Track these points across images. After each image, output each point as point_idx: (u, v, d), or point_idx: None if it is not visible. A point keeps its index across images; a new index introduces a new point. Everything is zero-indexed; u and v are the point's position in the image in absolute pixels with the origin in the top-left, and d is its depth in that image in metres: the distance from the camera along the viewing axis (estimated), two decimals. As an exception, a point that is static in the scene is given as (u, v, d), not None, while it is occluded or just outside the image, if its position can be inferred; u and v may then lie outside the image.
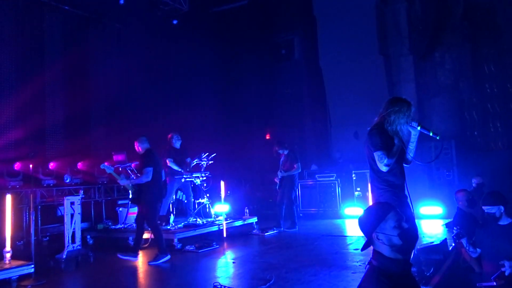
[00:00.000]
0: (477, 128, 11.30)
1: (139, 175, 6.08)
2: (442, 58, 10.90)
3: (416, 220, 3.77)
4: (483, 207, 3.88)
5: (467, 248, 3.81)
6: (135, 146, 6.29)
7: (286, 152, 8.25)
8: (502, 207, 3.78)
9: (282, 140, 8.65)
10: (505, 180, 8.28)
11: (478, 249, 3.83)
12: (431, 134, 3.50)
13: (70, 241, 6.03)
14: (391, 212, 2.15)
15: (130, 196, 6.30)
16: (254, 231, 8.15)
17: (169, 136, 8.05)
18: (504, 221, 3.82)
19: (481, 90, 11.17)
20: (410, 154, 3.57)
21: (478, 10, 10.92)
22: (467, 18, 10.82)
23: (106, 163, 6.66)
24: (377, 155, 3.50)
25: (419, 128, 3.49)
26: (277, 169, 8.35)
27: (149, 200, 5.96)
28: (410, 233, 2.11)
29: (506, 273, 3.42)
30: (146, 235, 6.82)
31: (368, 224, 2.16)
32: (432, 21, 10.30)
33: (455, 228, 3.89)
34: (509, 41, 11.13)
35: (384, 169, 3.47)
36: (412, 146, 3.56)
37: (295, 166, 8.17)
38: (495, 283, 3.39)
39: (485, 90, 11.30)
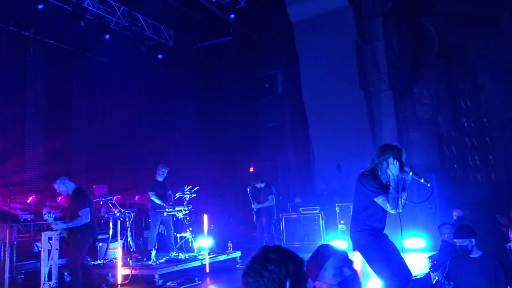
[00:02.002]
0: (456, 161, 11.56)
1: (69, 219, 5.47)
2: (421, 93, 11.26)
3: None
4: (455, 240, 3.96)
5: (441, 281, 3.85)
6: (56, 187, 5.55)
7: (263, 185, 8.26)
8: (473, 240, 3.88)
9: (257, 174, 8.71)
10: (485, 213, 8.39)
11: (452, 283, 3.87)
12: (422, 181, 3.49)
13: (46, 278, 5.83)
14: (330, 258, 1.91)
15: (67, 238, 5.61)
16: (237, 266, 8.00)
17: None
18: (475, 254, 3.92)
19: (459, 124, 11.52)
20: (402, 201, 3.54)
21: (453, 48, 11.43)
22: (442, 56, 11.30)
23: (47, 209, 6.14)
24: (378, 200, 3.50)
25: (411, 174, 3.50)
26: (250, 203, 8.36)
27: (78, 241, 5.40)
28: (353, 280, 1.89)
29: None
30: (127, 271, 6.64)
31: (309, 273, 1.89)
32: (410, 59, 10.69)
33: (429, 260, 3.94)
34: (482, 78, 11.62)
35: (393, 212, 3.51)
36: (404, 196, 3.55)
37: (268, 198, 8.16)
38: None
39: (462, 125, 11.66)
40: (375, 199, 3.50)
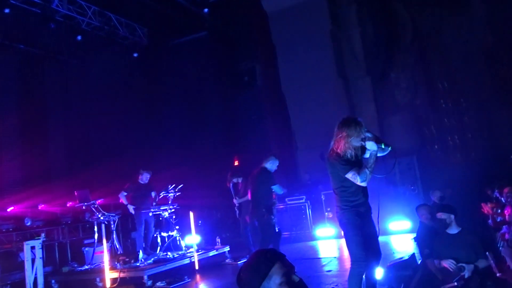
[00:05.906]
0: (437, 142, 11.74)
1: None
2: (398, 78, 11.36)
3: (383, 237, 3.87)
4: (437, 214, 4.20)
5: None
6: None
7: (240, 179, 8.25)
8: (452, 216, 4.11)
9: (235, 169, 8.73)
10: (467, 191, 8.57)
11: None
12: (383, 146, 3.54)
13: (32, 288, 5.73)
14: (275, 264, 1.61)
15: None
16: (227, 261, 8.01)
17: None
18: (454, 230, 4.19)
19: (437, 106, 11.67)
20: (369, 175, 3.54)
21: (426, 32, 11.55)
22: (416, 39, 11.41)
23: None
24: (349, 177, 3.53)
25: (370, 143, 3.52)
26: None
27: None
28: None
29: (466, 276, 3.78)
30: (115, 274, 6.58)
31: (245, 285, 1.62)
32: (385, 44, 10.78)
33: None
34: (457, 58, 11.78)
35: (364, 184, 3.53)
36: (372, 162, 3.55)
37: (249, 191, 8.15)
38: (456, 284, 3.78)
39: (440, 106, 11.81)
40: (345, 175, 3.55)
